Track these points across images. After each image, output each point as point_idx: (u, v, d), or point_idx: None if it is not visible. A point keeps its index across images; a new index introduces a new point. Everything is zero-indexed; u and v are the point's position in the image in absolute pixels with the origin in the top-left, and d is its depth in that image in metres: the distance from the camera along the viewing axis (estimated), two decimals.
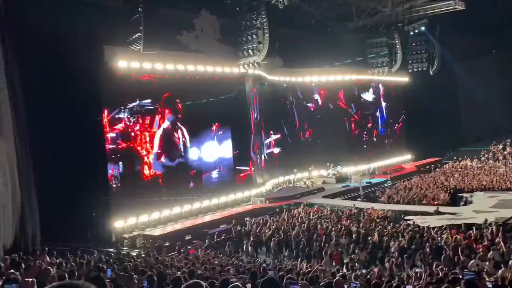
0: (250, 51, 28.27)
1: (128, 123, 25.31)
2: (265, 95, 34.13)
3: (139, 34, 22.63)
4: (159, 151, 26.75)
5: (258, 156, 33.30)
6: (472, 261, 14.93)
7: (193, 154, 28.74)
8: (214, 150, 29.88)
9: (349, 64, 39.54)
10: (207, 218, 26.52)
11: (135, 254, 18.19)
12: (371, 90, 44.70)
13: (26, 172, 18.87)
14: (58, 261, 12.75)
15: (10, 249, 16.61)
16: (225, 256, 18.82)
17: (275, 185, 34.00)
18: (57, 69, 19.97)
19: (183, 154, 28.19)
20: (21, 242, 17.87)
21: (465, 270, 11.83)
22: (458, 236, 18.39)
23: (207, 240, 22.07)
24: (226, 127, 30.55)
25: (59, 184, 19.85)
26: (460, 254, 16.08)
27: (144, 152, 26.09)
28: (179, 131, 27.87)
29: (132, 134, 25.65)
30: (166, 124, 27.23)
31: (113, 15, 22.94)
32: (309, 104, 39.17)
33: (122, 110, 25.04)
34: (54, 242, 17.57)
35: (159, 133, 26.81)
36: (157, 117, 26.79)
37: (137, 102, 25.66)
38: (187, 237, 23.07)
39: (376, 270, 14.67)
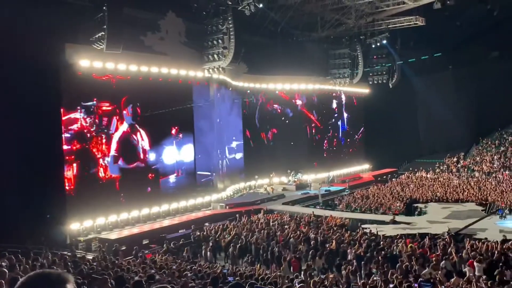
0: (215, 55, 28.30)
1: (84, 124, 24.50)
2: (228, 100, 34.13)
3: (103, 33, 22.26)
4: (116, 154, 26.08)
5: (220, 161, 33.17)
6: (426, 270, 15.37)
7: (152, 157, 28.24)
8: (173, 154, 29.43)
9: (312, 74, 40.05)
10: (166, 222, 26.17)
11: (90, 257, 17.70)
12: (334, 100, 45.43)
13: None
14: (9, 263, 12.25)
15: None
16: (183, 261, 18.59)
17: (235, 190, 33.97)
18: (15, 66, 19.31)
19: (141, 157, 27.60)
20: None
21: (421, 280, 12.16)
22: (413, 245, 18.90)
23: (165, 244, 21.76)
24: (188, 132, 30.20)
25: (13, 183, 19.15)
26: (414, 262, 16.53)
27: (99, 155, 25.37)
28: (138, 133, 27.29)
29: (88, 135, 24.87)
30: (124, 126, 26.58)
31: (77, 13, 22.47)
32: (274, 107, 39.38)
33: (78, 110, 24.22)
34: (6, 243, 16.88)
35: (117, 135, 26.16)
36: (115, 119, 26.04)
37: (94, 102, 24.91)
38: (145, 242, 22.70)
39: (331, 276, 14.85)
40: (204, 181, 31.62)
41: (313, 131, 43.62)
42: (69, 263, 13.82)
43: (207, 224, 25.27)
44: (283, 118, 40.06)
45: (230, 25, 27.24)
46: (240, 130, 35.81)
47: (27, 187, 19.70)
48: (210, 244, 21.51)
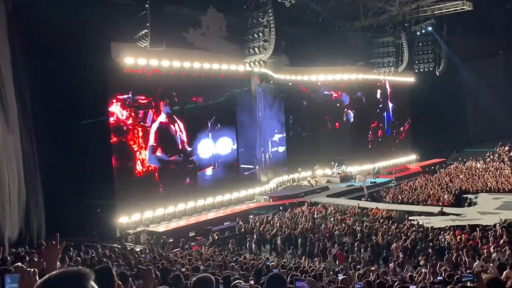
0: (256, 49, 28.32)
1: (120, 117, 24.52)
2: (270, 93, 34.11)
3: (146, 30, 22.75)
4: (154, 144, 26.01)
5: (263, 154, 33.27)
6: (476, 262, 14.91)
7: (189, 148, 28.14)
8: (209, 147, 29.20)
9: (356, 64, 39.38)
10: (211, 215, 26.58)
11: (139, 249, 18.26)
12: (378, 90, 44.50)
13: (31, 167, 18.99)
14: (61, 255, 12.81)
15: (15, 243, 16.71)
16: (228, 253, 18.86)
17: (279, 183, 34.02)
18: (63, 64, 20.07)
19: (180, 148, 27.53)
20: (26, 236, 17.96)
21: (464, 272, 11.82)
22: (462, 237, 18.38)
23: (210, 237, 22.14)
24: (225, 124, 30.09)
25: (64, 178, 19.97)
26: (464, 255, 16.07)
27: (136, 147, 25.40)
28: (176, 124, 27.24)
29: (124, 128, 24.87)
30: (162, 117, 26.53)
31: (120, 11, 23.04)
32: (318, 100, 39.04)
33: (114, 103, 24.22)
34: (61, 237, 17.64)
35: (155, 125, 26.11)
36: (151, 112, 25.96)
37: (130, 95, 24.85)
38: (191, 234, 23.16)
39: (373, 268, 14.65)
40: (247, 174, 31.72)
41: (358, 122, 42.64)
42: (118, 256, 14.30)
43: (251, 216, 25.47)
44: (326, 112, 39.56)
45: (271, 18, 27.16)
46: (282, 123, 35.73)
47: (78, 181, 20.47)
48: (255, 236, 21.70)
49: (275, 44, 27.49)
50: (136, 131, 25.36)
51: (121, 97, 24.49)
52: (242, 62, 29.55)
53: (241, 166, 31.37)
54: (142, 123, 25.52)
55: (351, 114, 41.40)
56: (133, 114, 25.00)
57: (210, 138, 29.26)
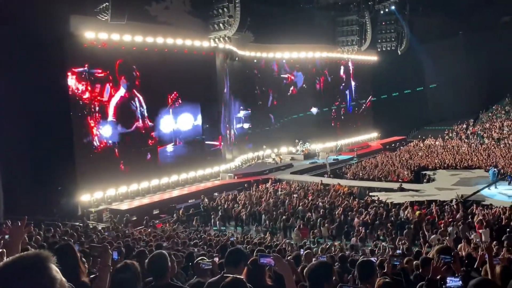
0: (220, 24, 27.93)
1: (75, 91, 23.52)
2: (235, 70, 33.86)
3: (107, 3, 22.01)
4: (114, 119, 25.29)
5: (228, 131, 33.19)
6: (433, 235, 15.50)
7: (150, 123, 27.45)
8: (170, 123, 28.61)
9: (320, 42, 39.48)
10: (175, 193, 26.48)
11: (101, 228, 18.02)
12: (341, 68, 44.89)
13: None
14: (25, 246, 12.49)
15: None
16: (193, 230, 18.89)
17: (244, 161, 34.12)
18: (19, 38, 19.23)
19: (141, 122, 26.89)
20: None
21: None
22: (421, 212, 19.02)
23: (175, 214, 22.09)
24: (192, 101, 29.65)
25: (22, 157, 19.37)
26: (422, 229, 16.66)
27: (93, 123, 24.45)
28: (136, 99, 26.50)
29: (81, 102, 23.90)
30: (121, 91, 25.66)
31: None
32: (283, 77, 39.00)
33: (69, 76, 23.14)
34: (19, 215, 17.20)
35: (114, 100, 25.22)
36: (108, 86, 24.96)
37: (86, 68, 23.79)
38: (155, 212, 23.01)
39: (336, 244, 15.03)
40: (213, 150, 31.55)
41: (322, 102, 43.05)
42: (80, 234, 14.07)
43: (216, 193, 25.52)
44: (292, 87, 39.67)
45: None
46: (247, 100, 35.66)
47: (38, 159, 19.88)
48: (219, 213, 21.79)
49: (240, 20, 27.17)
50: (93, 106, 24.43)
51: (76, 70, 23.47)
52: (206, 38, 29.10)
53: (206, 142, 31.17)
54: (99, 98, 24.63)
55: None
56: (89, 88, 24.08)
57: (171, 114, 28.63)
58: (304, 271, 3.76)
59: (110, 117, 25.18)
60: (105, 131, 25.02)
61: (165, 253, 4.06)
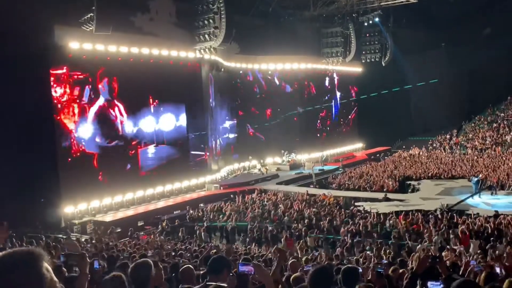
0: (206, 35, 27.95)
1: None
2: (221, 81, 33.91)
3: (92, 14, 21.95)
4: (93, 130, 24.87)
5: (213, 141, 33.12)
6: (419, 245, 15.59)
7: (129, 129, 27.01)
8: (151, 123, 28.18)
9: (305, 53, 39.77)
10: (161, 204, 26.26)
11: (84, 239, 17.79)
12: (326, 79, 45.22)
13: None
14: (2, 246, 12.28)
15: None
16: (178, 241, 18.72)
17: (230, 171, 34.05)
18: (2, 48, 19.02)
19: (120, 133, 26.46)
20: None
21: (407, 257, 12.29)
22: (406, 222, 19.11)
23: (160, 226, 21.89)
24: (174, 102, 29.36)
25: (5, 168, 19.07)
26: (407, 238, 16.75)
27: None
28: (116, 108, 26.14)
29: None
30: (101, 100, 25.33)
31: None
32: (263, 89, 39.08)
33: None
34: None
35: (93, 110, 24.83)
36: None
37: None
38: (140, 223, 22.81)
39: (323, 253, 15.02)
40: (198, 160, 31.40)
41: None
42: (63, 246, 13.85)
43: (201, 205, 25.38)
44: (277, 99, 39.77)
45: (221, 5, 26.86)
46: (233, 110, 35.68)
47: (21, 168, 19.56)
48: (205, 224, 21.66)
49: (225, 31, 27.28)
50: (71, 108, 23.98)
51: (54, 72, 23.14)
52: (192, 49, 29.11)
53: (191, 152, 31.04)
54: (78, 100, 24.24)
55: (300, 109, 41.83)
56: (67, 90, 23.71)
57: (152, 115, 28.23)
58: (307, 276, 3.74)
59: (89, 123, 24.75)
60: (83, 134, 24.51)
61: (150, 261, 4.00)
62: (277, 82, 39.58)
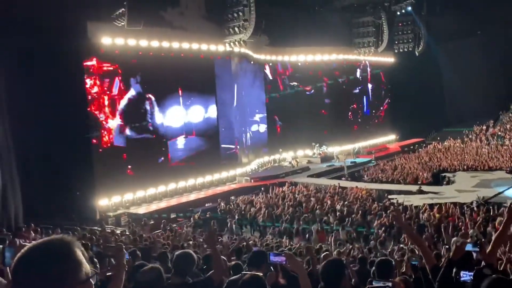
0: (236, 28, 27.96)
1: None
2: (251, 73, 33.86)
3: (123, 9, 22.23)
4: (122, 123, 25.11)
5: (244, 134, 33.15)
6: (454, 238, 15.19)
7: (160, 121, 27.31)
8: (181, 115, 28.39)
9: (336, 44, 39.24)
10: (192, 196, 26.53)
11: (119, 231, 18.12)
12: (358, 70, 44.55)
13: (4, 149, 18.59)
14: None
15: None
16: None
17: (260, 164, 34.05)
18: (39, 46, 19.50)
19: (151, 126, 26.74)
20: (3, 220, 17.71)
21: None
22: (440, 215, 18.69)
23: (192, 218, 22.11)
24: (205, 94, 29.66)
25: (40, 160, 19.60)
26: (442, 231, 16.36)
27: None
28: (147, 102, 26.42)
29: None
30: (132, 92, 25.65)
31: None
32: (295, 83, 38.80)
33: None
34: (38, 220, 17.42)
35: (123, 102, 25.11)
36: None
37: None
38: (172, 215, 23.08)
39: (357, 246, 14.84)
40: (229, 153, 31.54)
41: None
42: (99, 238, 14.15)
43: (232, 197, 25.50)
44: (307, 93, 39.47)
45: None
46: (263, 103, 35.56)
47: (55, 161, 20.04)
48: (236, 217, 21.75)
49: (255, 23, 27.20)
50: (102, 100, 24.32)
51: (85, 63, 23.49)
52: (221, 42, 29.17)
53: (222, 146, 31.19)
54: (108, 92, 24.59)
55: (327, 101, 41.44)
56: (98, 82, 24.05)
57: (181, 105, 28.48)
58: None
59: (118, 121, 25.09)
60: (113, 125, 24.88)
61: (192, 253, 4.21)
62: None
